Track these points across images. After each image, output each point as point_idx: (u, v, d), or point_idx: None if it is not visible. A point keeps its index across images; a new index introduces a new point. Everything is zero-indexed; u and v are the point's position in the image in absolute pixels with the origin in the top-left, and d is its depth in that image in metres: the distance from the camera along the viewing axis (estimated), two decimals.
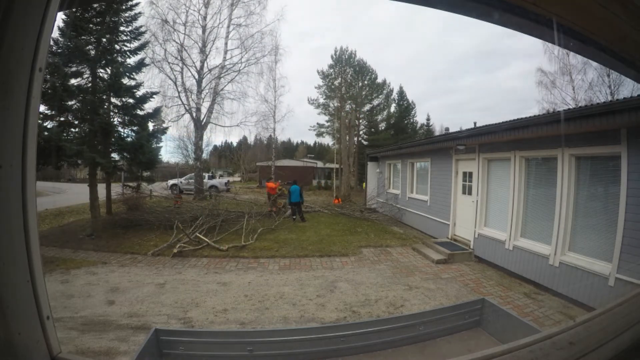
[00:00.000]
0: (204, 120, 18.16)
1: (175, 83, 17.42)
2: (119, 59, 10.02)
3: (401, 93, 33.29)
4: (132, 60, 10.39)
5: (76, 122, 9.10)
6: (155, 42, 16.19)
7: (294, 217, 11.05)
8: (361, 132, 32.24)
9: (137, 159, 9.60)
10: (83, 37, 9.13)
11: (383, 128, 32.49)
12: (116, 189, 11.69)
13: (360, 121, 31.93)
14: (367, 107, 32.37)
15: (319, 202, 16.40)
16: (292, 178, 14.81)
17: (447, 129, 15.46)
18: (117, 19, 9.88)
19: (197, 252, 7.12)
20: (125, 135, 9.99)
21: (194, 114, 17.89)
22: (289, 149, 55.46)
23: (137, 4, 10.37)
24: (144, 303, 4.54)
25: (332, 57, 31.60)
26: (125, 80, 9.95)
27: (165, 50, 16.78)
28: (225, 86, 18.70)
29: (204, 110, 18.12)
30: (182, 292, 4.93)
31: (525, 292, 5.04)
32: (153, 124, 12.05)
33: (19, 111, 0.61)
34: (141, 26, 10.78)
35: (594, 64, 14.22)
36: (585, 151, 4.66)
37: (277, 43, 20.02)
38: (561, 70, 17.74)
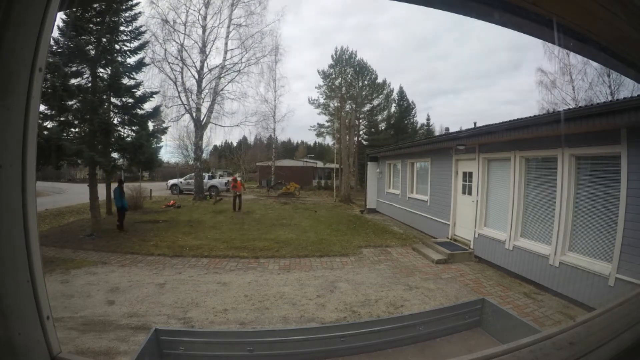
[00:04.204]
0: (204, 120, 18.17)
1: (175, 83, 17.46)
2: (119, 58, 10.01)
3: (401, 93, 33.37)
4: (132, 60, 10.40)
5: (76, 122, 9.09)
6: (155, 42, 16.25)
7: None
8: (361, 132, 32.29)
9: (137, 159, 9.59)
10: (83, 37, 9.12)
11: (383, 128, 32.56)
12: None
13: (360, 121, 31.98)
14: (367, 107, 32.42)
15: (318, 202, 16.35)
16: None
17: (447, 129, 15.47)
18: (117, 18, 9.87)
19: (197, 251, 7.12)
20: (125, 135, 9.97)
21: (194, 114, 17.90)
22: (289, 149, 55.33)
23: (137, 4, 10.35)
24: (144, 303, 4.54)
25: (332, 57, 31.71)
26: (125, 80, 9.94)
27: (165, 50, 16.84)
28: (225, 86, 18.76)
29: (204, 110, 18.15)
30: (182, 292, 4.93)
31: (525, 292, 5.03)
32: (153, 124, 12.04)
33: (19, 111, 0.61)
34: (141, 26, 10.77)
35: (594, 64, 14.25)
36: (585, 151, 4.66)
37: (277, 43, 20.10)
38: (561, 70, 17.77)
